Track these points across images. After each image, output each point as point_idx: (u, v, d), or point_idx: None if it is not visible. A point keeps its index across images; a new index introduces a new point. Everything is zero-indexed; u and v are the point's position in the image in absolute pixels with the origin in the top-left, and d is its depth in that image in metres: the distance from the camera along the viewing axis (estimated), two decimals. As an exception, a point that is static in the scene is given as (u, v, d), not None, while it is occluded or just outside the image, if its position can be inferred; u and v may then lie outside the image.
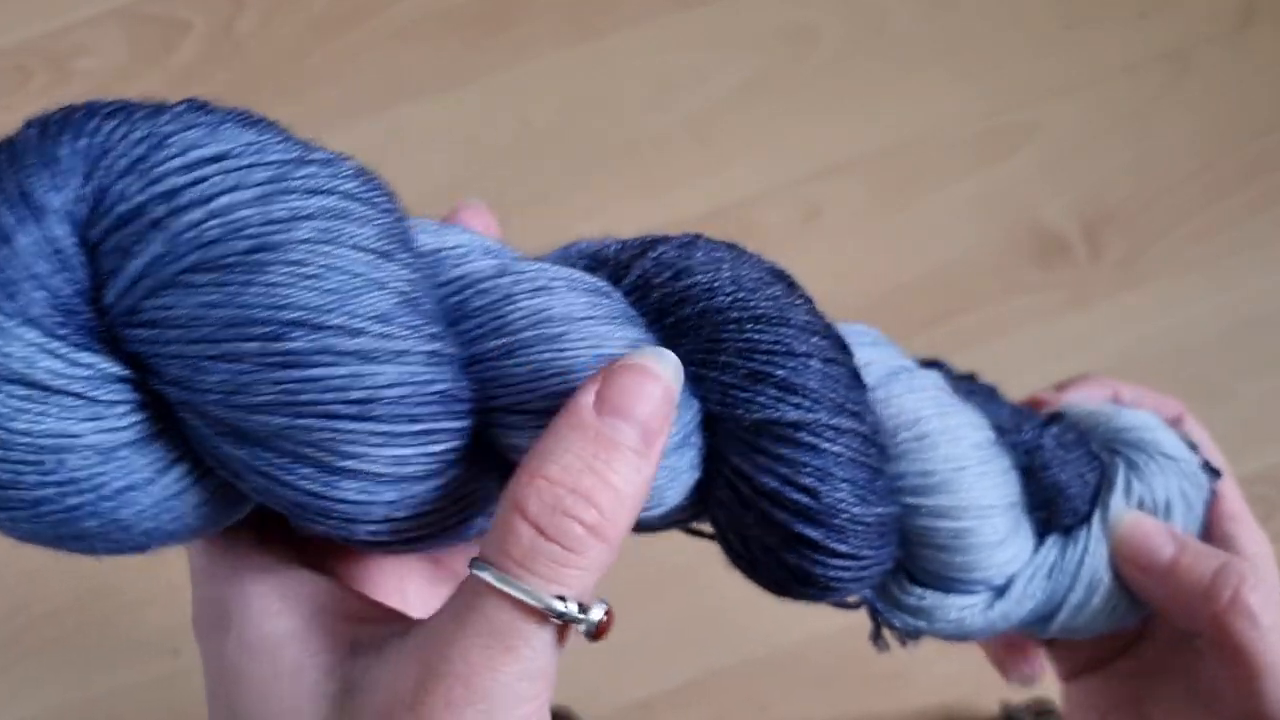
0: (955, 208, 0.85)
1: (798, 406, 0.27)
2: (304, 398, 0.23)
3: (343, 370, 0.23)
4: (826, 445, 0.27)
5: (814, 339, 0.28)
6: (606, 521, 0.23)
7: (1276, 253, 0.84)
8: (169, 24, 0.89)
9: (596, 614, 0.23)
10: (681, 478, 0.28)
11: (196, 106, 0.25)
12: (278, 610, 0.26)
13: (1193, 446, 0.38)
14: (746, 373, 0.27)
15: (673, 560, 0.74)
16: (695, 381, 0.28)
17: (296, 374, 0.23)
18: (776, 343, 0.27)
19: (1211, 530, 0.37)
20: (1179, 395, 0.81)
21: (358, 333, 0.23)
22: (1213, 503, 0.37)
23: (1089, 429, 0.38)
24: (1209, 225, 0.85)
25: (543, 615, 0.22)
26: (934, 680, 0.75)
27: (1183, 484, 0.37)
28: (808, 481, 0.27)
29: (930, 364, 0.36)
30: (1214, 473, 0.38)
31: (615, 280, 0.29)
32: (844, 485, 0.28)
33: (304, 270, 0.23)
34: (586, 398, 0.24)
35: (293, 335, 0.23)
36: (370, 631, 0.26)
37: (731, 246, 0.30)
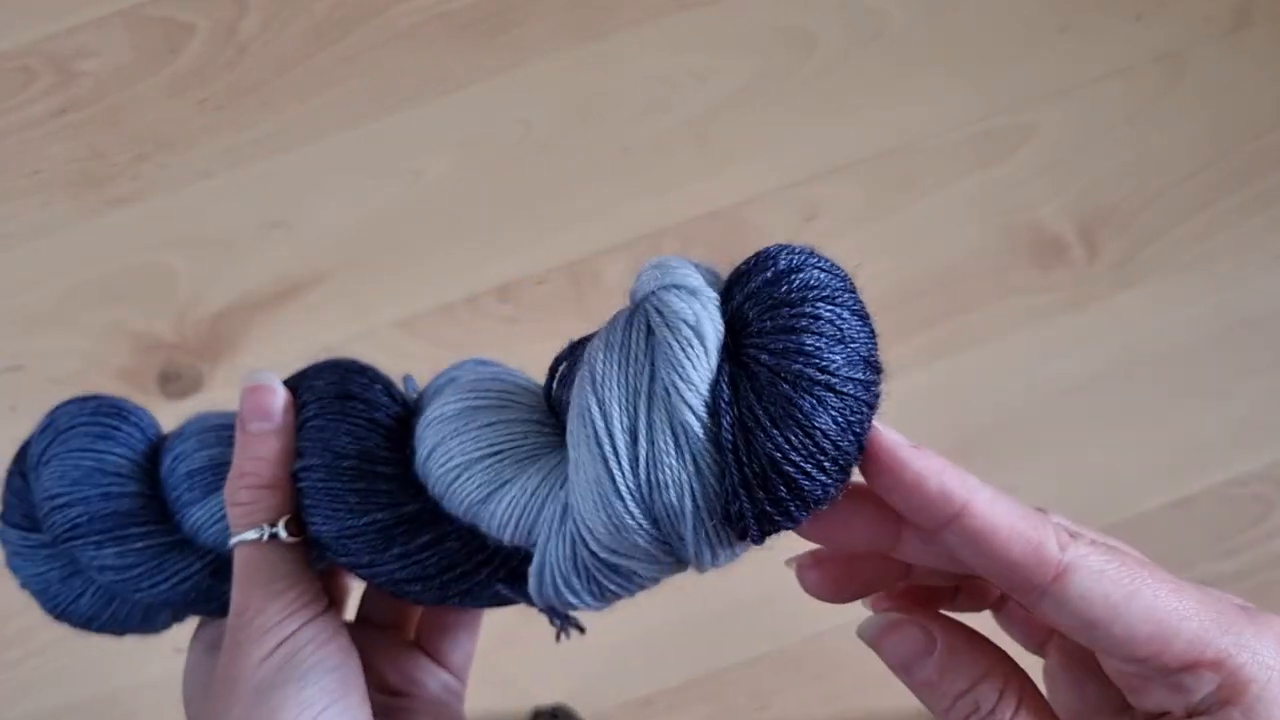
0: (953, 209, 0.86)
1: None
2: None
3: None
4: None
5: None
6: (259, 479, 0.35)
7: (1273, 253, 0.85)
8: (173, 26, 0.89)
9: (279, 529, 0.35)
10: None
11: None
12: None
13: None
14: None
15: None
16: None
17: None
18: None
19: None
20: (1177, 395, 0.82)
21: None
22: None
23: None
24: (1205, 226, 0.85)
25: (258, 540, 0.35)
26: (932, 678, 0.75)
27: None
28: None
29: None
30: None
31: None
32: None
33: None
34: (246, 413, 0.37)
35: None
36: None
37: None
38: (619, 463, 0.27)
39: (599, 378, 0.27)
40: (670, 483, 0.26)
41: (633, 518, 0.27)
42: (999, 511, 0.27)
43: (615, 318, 0.29)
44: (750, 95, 0.88)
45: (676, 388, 0.26)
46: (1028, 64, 0.89)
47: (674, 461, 0.26)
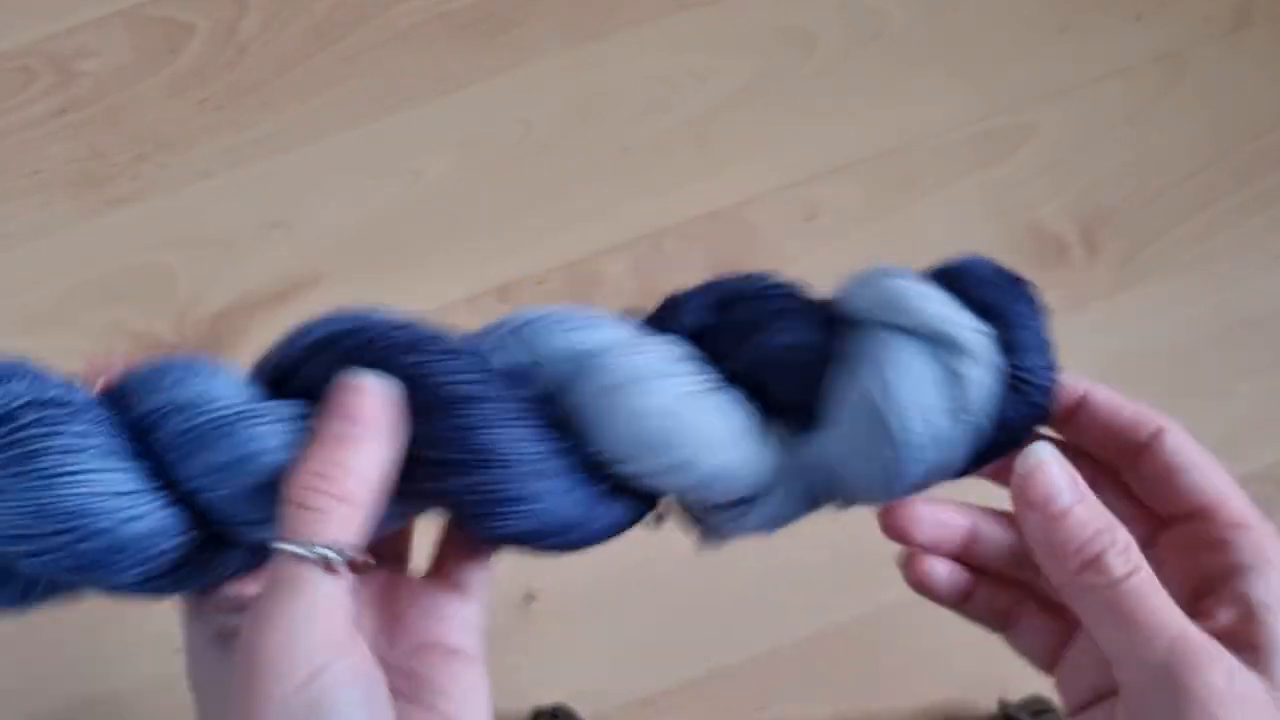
0: (953, 209, 0.86)
1: None
2: None
3: None
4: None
5: None
6: (340, 488, 0.32)
7: (1273, 253, 0.85)
8: (172, 26, 0.89)
9: (348, 553, 0.31)
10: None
11: None
12: None
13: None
14: None
15: (673, 559, 0.74)
16: None
17: None
18: None
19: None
20: (1177, 395, 0.82)
21: None
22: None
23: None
24: (1206, 226, 0.85)
25: (308, 560, 0.31)
26: (932, 679, 0.75)
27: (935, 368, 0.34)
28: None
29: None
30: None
31: None
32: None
33: None
34: (327, 414, 0.33)
35: None
36: None
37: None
38: (911, 451, 0.33)
39: (892, 387, 0.33)
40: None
41: (909, 487, 0.34)
42: (1109, 394, 0.37)
43: (893, 341, 0.34)
44: (750, 95, 0.88)
45: (965, 407, 0.34)
46: (1028, 64, 0.89)
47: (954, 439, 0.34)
